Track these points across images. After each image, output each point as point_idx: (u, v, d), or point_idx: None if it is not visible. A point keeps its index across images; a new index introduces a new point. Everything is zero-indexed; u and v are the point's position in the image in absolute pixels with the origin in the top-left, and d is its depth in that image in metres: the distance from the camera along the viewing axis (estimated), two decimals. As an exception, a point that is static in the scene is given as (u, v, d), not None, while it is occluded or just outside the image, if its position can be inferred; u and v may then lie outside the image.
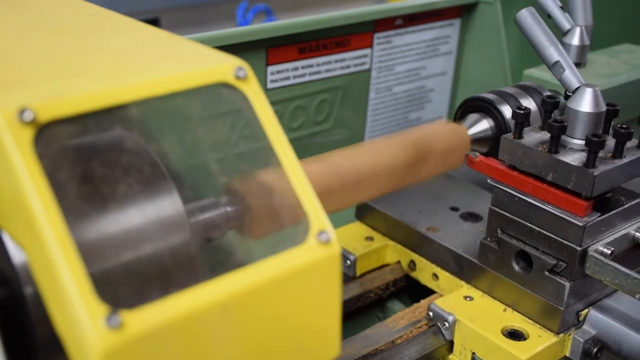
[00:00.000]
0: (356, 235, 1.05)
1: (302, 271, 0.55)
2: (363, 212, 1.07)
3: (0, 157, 0.48)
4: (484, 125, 0.93)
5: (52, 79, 0.53)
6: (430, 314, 0.89)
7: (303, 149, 1.10)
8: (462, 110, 0.97)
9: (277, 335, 0.55)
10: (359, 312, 1.01)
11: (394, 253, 1.03)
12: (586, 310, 0.86)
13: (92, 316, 0.45)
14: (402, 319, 0.92)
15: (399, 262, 1.03)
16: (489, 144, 0.93)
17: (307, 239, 0.56)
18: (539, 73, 1.06)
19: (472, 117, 0.94)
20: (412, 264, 1.01)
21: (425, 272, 0.99)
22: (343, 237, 1.04)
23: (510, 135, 0.85)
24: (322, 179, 0.71)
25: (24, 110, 0.48)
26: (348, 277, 1.02)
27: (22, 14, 0.69)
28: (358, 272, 1.01)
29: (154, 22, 2.22)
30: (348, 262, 1.01)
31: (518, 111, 0.83)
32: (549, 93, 0.95)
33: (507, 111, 0.93)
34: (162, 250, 0.53)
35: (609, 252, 0.80)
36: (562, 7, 1.00)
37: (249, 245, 0.61)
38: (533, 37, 0.88)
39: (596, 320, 0.85)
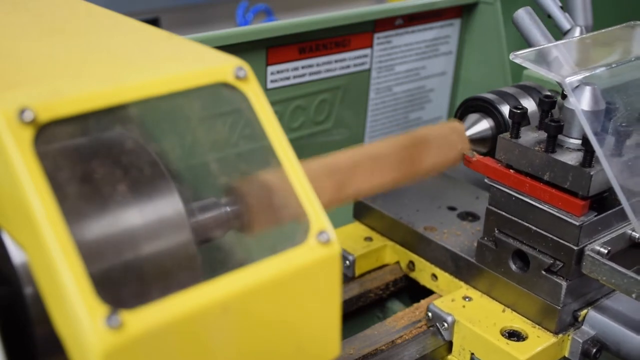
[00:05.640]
0: (355, 236, 1.05)
1: (302, 271, 0.55)
2: (361, 212, 1.07)
3: (0, 157, 0.48)
4: (484, 125, 0.93)
5: (52, 79, 0.53)
6: (429, 314, 0.89)
7: (303, 149, 1.10)
8: (462, 110, 0.97)
9: (277, 335, 0.55)
10: (359, 312, 1.01)
11: (393, 253, 1.03)
12: (585, 311, 0.86)
13: (92, 316, 0.45)
14: (402, 319, 0.92)
15: (398, 262, 1.03)
16: (489, 144, 0.93)
17: (307, 239, 0.56)
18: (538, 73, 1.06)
19: (472, 117, 0.94)
20: (411, 265, 1.01)
21: (425, 272, 0.99)
22: (342, 237, 1.03)
23: (507, 135, 0.85)
24: (322, 179, 0.71)
25: (24, 110, 0.48)
26: (347, 278, 1.01)
27: (22, 14, 0.69)
28: (357, 273, 1.01)
29: (154, 22, 2.22)
30: (347, 262, 1.01)
31: (515, 110, 0.83)
32: (548, 93, 0.95)
33: (507, 111, 0.93)
34: (162, 250, 0.53)
35: (606, 251, 0.80)
36: (562, 7, 1.00)
37: (249, 245, 0.61)
38: (530, 37, 0.88)
39: (595, 321, 0.85)
